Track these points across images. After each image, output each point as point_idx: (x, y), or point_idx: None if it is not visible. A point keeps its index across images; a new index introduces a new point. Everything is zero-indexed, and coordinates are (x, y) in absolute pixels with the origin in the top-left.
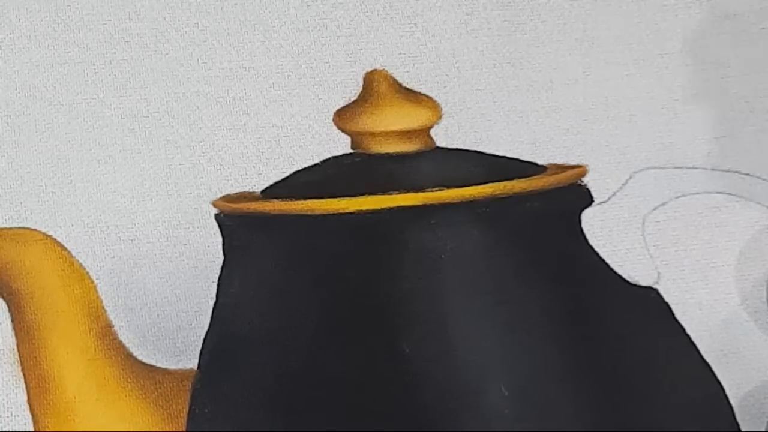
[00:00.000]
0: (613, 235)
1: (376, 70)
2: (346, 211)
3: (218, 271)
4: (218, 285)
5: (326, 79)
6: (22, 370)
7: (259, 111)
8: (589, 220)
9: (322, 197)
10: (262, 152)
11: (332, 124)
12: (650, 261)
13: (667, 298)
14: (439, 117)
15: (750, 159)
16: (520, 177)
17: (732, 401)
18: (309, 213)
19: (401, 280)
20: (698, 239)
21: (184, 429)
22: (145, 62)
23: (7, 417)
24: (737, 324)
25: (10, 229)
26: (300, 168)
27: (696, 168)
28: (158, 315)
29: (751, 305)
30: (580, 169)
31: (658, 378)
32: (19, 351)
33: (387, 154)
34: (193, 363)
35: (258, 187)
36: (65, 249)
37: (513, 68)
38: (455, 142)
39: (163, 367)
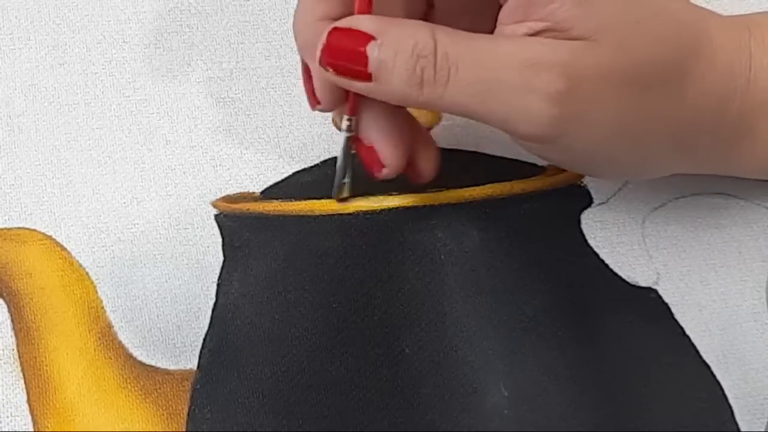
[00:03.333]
0: (612, 235)
1: None
2: (346, 211)
3: (218, 271)
4: (218, 285)
5: None
6: (22, 370)
7: (259, 111)
8: (589, 220)
9: (322, 197)
10: (262, 152)
11: (332, 124)
12: (650, 262)
13: (666, 298)
14: (439, 117)
15: None
16: (519, 177)
17: (731, 402)
18: (309, 213)
19: (401, 280)
20: (697, 240)
21: (184, 429)
22: (145, 62)
23: (7, 417)
24: (736, 325)
25: (10, 229)
26: (300, 168)
27: None
28: (158, 315)
29: (750, 306)
30: None
31: (658, 378)
32: (18, 351)
33: None
34: (193, 363)
35: (258, 187)
36: (65, 249)
37: None
38: (455, 142)
39: (163, 367)
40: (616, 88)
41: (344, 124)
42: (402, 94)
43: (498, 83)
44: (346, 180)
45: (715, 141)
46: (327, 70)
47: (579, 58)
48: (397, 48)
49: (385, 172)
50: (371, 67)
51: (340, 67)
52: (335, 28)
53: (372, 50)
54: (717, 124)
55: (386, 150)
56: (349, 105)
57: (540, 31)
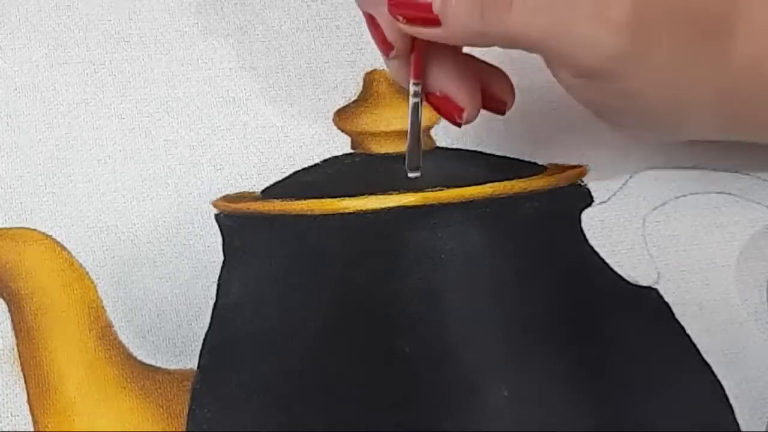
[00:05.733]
0: (613, 235)
1: (376, 70)
2: (346, 211)
3: (218, 271)
4: (218, 285)
5: (326, 79)
6: (22, 370)
7: (259, 111)
8: (589, 220)
9: (322, 197)
10: (262, 152)
11: (332, 124)
12: (650, 261)
13: (666, 298)
14: (439, 117)
15: (750, 159)
16: (520, 177)
17: (732, 401)
18: (309, 213)
19: (401, 280)
20: (698, 239)
21: (184, 429)
22: (145, 62)
23: (7, 417)
24: (737, 324)
25: (10, 229)
26: (300, 168)
27: (696, 168)
28: (158, 315)
29: (750, 305)
30: (580, 169)
31: (658, 378)
32: (19, 351)
33: (387, 154)
34: (193, 363)
35: (258, 187)
36: (65, 249)
37: (513, 68)
38: (455, 142)
39: (163, 367)
40: (673, 28)
41: (412, 89)
42: (466, 27)
43: (565, 11)
44: (417, 149)
45: (758, 103)
46: (398, 19)
47: None
48: None
49: (466, 116)
50: (435, 8)
51: (409, 16)
52: None
53: None
54: (759, 83)
55: (460, 94)
56: (413, 68)
57: None
